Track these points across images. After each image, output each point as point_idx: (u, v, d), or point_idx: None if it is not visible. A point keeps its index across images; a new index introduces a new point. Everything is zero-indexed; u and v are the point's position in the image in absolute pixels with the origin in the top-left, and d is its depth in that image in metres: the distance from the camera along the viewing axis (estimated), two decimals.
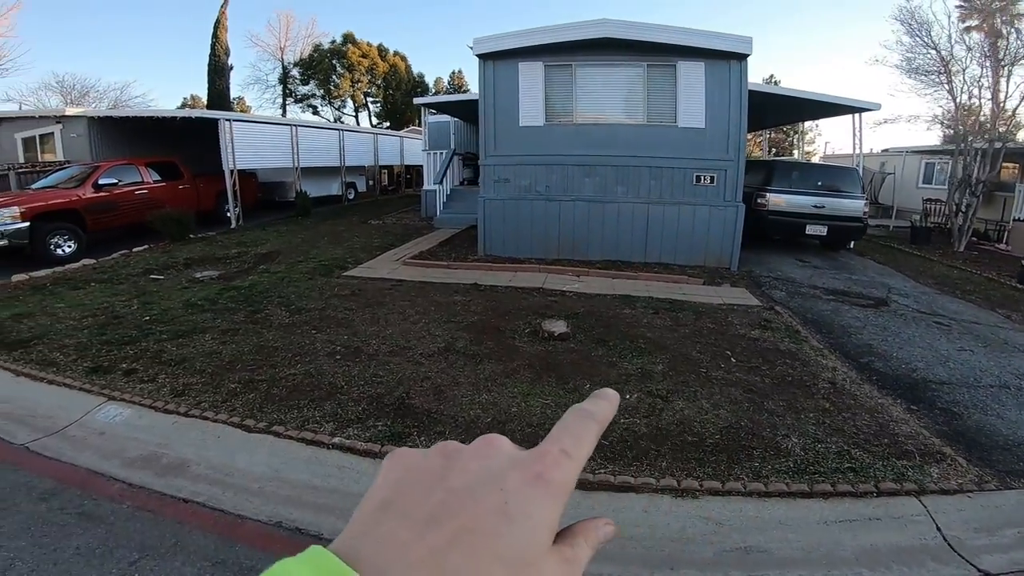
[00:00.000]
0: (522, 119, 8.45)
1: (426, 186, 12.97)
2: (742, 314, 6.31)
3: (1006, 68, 11.15)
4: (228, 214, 12.71)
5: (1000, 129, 11.43)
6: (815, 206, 10.48)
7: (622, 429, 3.56)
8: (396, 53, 34.94)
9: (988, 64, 11.69)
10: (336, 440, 3.49)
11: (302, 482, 3.20)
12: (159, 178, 10.84)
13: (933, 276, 9.20)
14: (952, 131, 12.87)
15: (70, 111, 12.06)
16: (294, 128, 13.70)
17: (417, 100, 13.13)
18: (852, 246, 11.45)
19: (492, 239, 8.77)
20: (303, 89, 33.59)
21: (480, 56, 8.33)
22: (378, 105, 34.64)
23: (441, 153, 12.92)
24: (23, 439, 3.41)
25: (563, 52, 8.22)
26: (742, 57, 8.08)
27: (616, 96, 8.46)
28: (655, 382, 4.28)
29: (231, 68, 31.47)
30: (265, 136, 12.72)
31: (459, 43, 61.89)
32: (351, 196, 17.51)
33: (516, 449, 0.31)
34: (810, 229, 10.45)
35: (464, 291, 6.65)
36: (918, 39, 12.29)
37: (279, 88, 32.33)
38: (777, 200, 10.33)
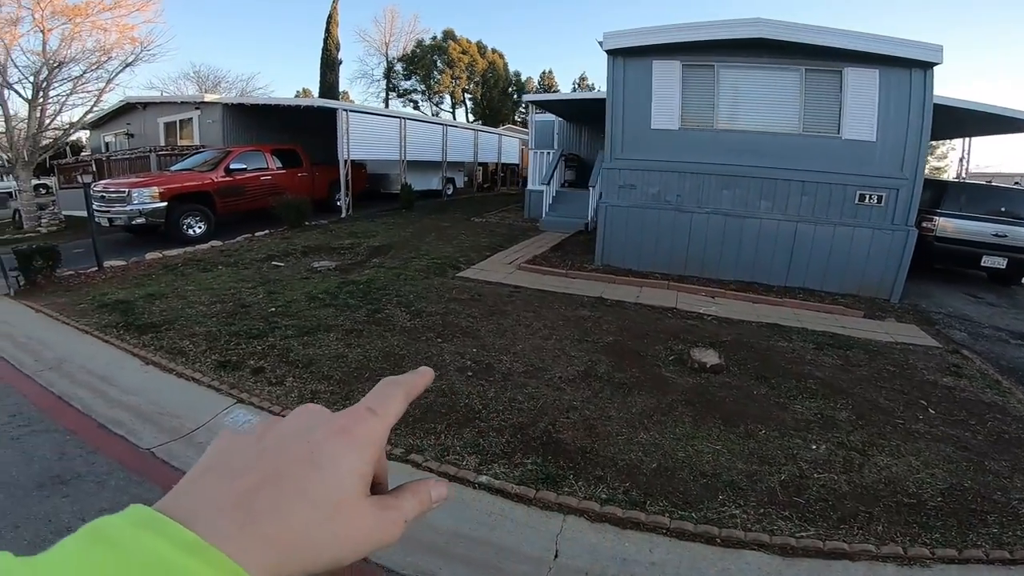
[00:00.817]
0: (654, 121, 7.69)
1: (530, 186, 12.51)
2: (923, 356, 5.27)
3: None
4: (338, 203, 13.01)
5: None
6: (995, 235, 8.80)
7: (819, 486, 2.97)
8: (494, 51, 35.06)
9: None
10: (483, 479, 3.01)
11: (447, 528, 2.72)
12: (280, 165, 11.18)
13: None
14: None
15: (208, 98, 12.84)
16: (402, 121, 13.76)
17: (527, 97, 12.73)
18: None
19: (611, 248, 8.08)
20: (405, 84, 34.54)
21: (609, 52, 7.67)
22: (474, 102, 34.88)
23: (548, 153, 12.39)
24: (149, 441, 3.21)
25: (704, 51, 7.35)
26: (927, 66, 6.84)
27: (766, 102, 7.45)
28: (843, 432, 3.60)
29: (340, 62, 32.91)
30: (377, 128, 12.84)
31: (550, 43, 61.51)
32: (449, 192, 17.48)
33: (329, 412, 0.33)
34: (987, 261, 8.80)
35: (590, 305, 6.04)
36: None
37: (383, 83, 33.45)
38: (947, 225, 8.80)
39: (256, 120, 13.30)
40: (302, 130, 13.79)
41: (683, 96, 7.55)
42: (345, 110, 11.60)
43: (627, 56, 7.65)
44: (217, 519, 0.26)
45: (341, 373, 4.03)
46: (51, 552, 0.22)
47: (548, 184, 11.61)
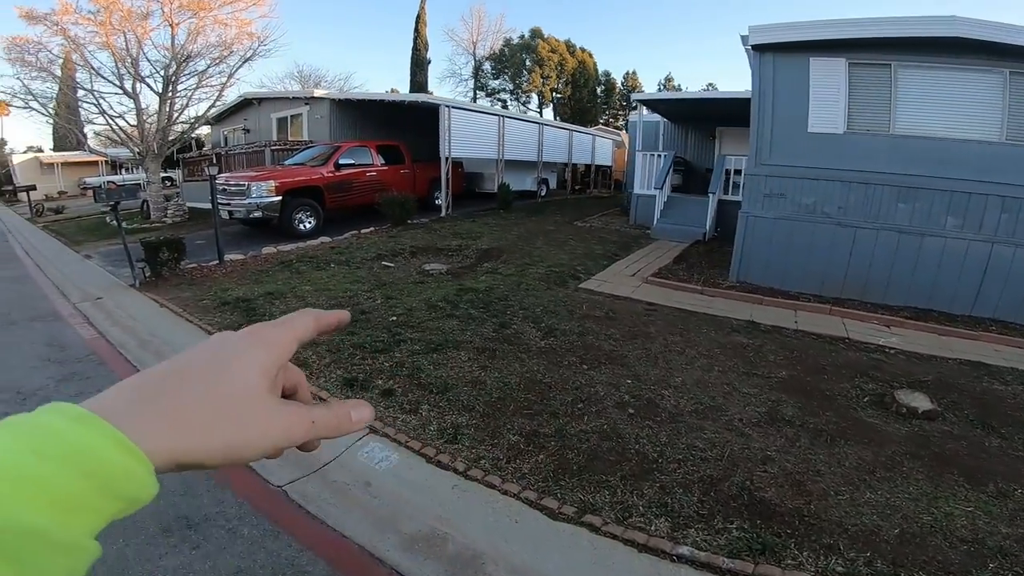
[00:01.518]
0: (812, 124, 6.60)
1: (636, 190, 11.60)
2: None
3: None
4: (437, 202, 12.78)
5: None
6: None
7: None
8: (583, 49, 34.03)
9: None
10: (684, 551, 2.34)
11: None
12: (384, 162, 11.06)
13: None
14: None
15: (317, 92, 13.06)
16: (501, 119, 13.32)
17: (636, 95, 11.81)
18: None
19: (750, 263, 7.07)
20: (493, 83, 34.39)
21: (755, 48, 6.69)
22: (561, 102, 34.06)
23: (658, 155, 11.42)
24: (279, 478, 2.78)
25: (877, 49, 6.20)
26: None
27: (957, 106, 6.15)
28: None
29: (429, 62, 33.40)
30: (476, 126, 12.46)
31: (632, 45, 59.25)
32: (542, 193, 16.89)
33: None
34: None
35: (743, 330, 5.15)
36: None
37: (471, 82, 33.53)
38: None
39: (360, 116, 13.38)
40: (403, 127, 13.75)
41: (850, 97, 6.43)
42: (448, 106, 11.29)
43: (777, 52, 6.68)
44: (116, 401, 0.27)
45: (483, 404, 3.47)
46: None
47: (660, 189, 10.66)
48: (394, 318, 4.77)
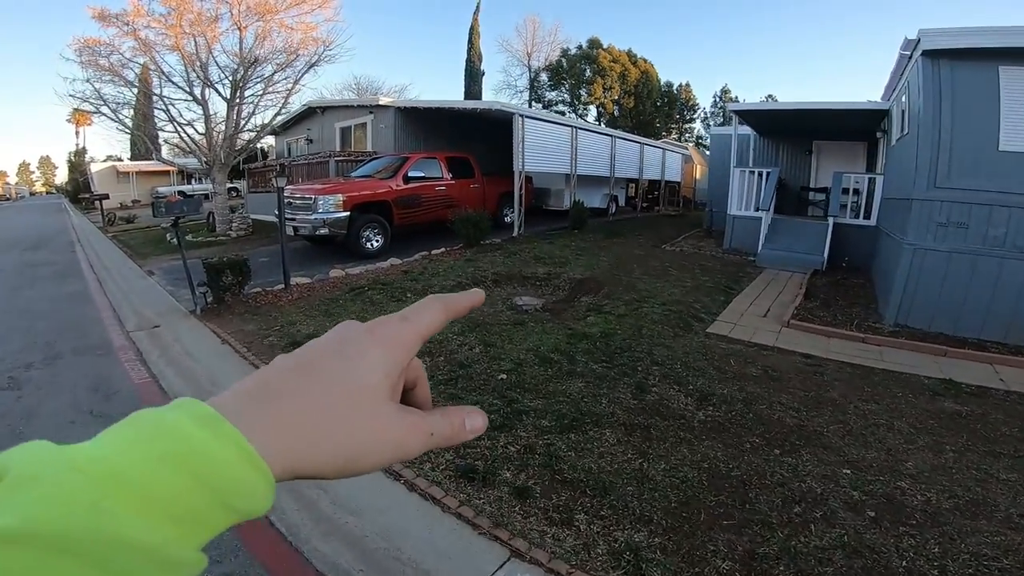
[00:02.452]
0: (1004, 142, 5.29)
1: (734, 211, 10.31)
2: None
3: None
4: (507, 219, 11.90)
5: None
6: None
7: None
8: (645, 60, 32.78)
9: None
10: None
11: None
12: (454, 175, 10.26)
13: None
14: None
15: (382, 100, 12.48)
16: (574, 131, 12.32)
17: (731, 106, 10.54)
18: None
19: (916, 304, 5.75)
20: (550, 95, 33.52)
21: (927, 54, 5.49)
22: (623, 114, 32.79)
23: (760, 172, 10.10)
24: None
25: None
26: None
27: None
28: None
29: (483, 73, 32.88)
30: (550, 137, 11.51)
31: (686, 58, 57.33)
32: (612, 211, 15.76)
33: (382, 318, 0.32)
34: None
35: (946, 393, 3.96)
36: None
37: (526, 94, 32.80)
38: None
39: (425, 126, 12.72)
40: (470, 138, 13.01)
41: None
42: (522, 115, 10.39)
43: (955, 59, 5.45)
44: (238, 400, 0.25)
45: (662, 511, 2.44)
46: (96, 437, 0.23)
47: (767, 211, 9.36)
48: (503, 376, 3.78)
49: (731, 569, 2.11)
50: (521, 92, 34.10)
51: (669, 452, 2.93)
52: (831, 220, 8.78)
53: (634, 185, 18.83)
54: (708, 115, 39.94)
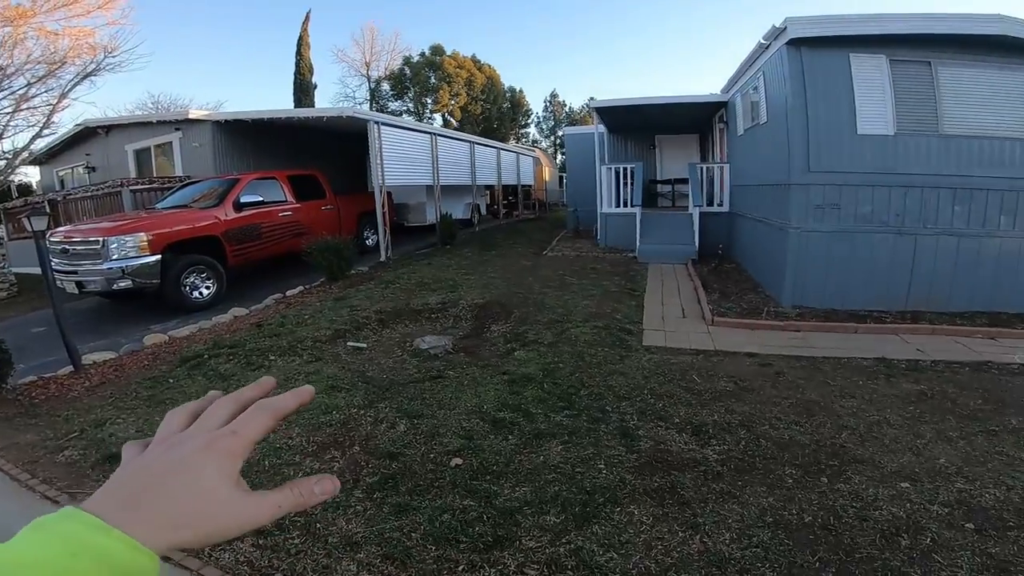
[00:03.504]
0: (861, 126, 5.73)
1: (605, 209, 10.31)
2: None
3: None
4: (369, 242, 10.47)
5: None
6: None
7: None
8: (489, 65, 32.96)
9: None
10: None
11: None
12: (299, 197, 8.61)
13: None
14: None
15: (194, 114, 10.03)
16: (433, 137, 11.38)
17: (595, 102, 10.56)
18: None
19: (805, 284, 5.96)
20: (394, 105, 31.91)
21: (791, 43, 5.76)
22: (471, 120, 32.47)
23: (625, 169, 10.22)
24: None
25: (915, 46, 5.63)
26: None
27: (1003, 104, 5.68)
28: None
29: (315, 86, 30.38)
30: (410, 145, 10.43)
31: (517, 62, 60.48)
32: (475, 220, 15.13)
33: (194, 433, 0.37)
34: None
35: (893, 372, 3.96)
36: None
37: (367, 105, 30.84)
38: None
39: (254, 143, 10.65)
40: (312, 154, 11.28)
41: (895, 96, 5.67)
42: (379, 123, 9.16)
43: (813, 47, 5.79)
44: (115, 510, 0.32)
45: None
46: (10, 541, 0.29)
47: (639, 206, 9.45)
48: (457, 461, 2.70)
49: None
50: (361, 104, 31.97)
51: (720, 514, 2.24)
52: (697, 210, 9.14)
53: (489, 192, 18.52)
54: (540, 119, 42.01)
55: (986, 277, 5.80)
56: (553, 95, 42.30)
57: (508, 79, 38.48)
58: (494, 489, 2.45)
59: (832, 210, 5.82)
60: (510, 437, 2.93)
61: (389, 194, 10.23)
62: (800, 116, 5.81)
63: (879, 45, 5.67)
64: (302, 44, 29.62)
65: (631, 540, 2.09)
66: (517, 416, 3.16)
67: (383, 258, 9.30)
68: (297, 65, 29.48)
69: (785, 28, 5.69)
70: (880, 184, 5.72)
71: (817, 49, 5.76)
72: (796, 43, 5.75)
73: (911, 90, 5.71)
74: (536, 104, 45.32)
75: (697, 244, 9.01)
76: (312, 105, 29.65)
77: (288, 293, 6.91)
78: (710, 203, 9.71)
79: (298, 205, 8.52)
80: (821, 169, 5.79)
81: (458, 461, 2.69)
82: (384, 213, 9.45)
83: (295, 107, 28.96)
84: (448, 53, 30.24)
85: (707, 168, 10.15)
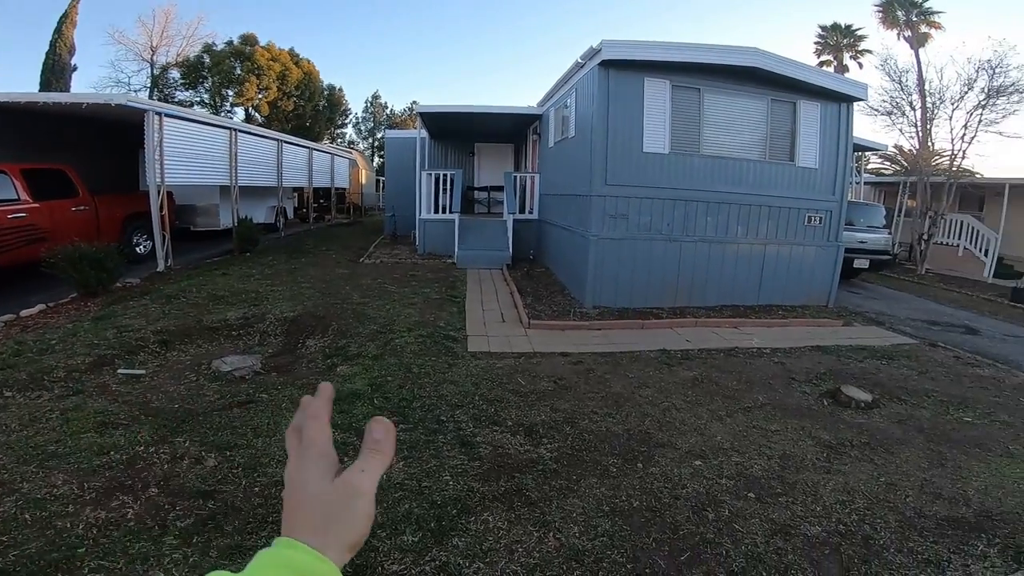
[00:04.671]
0: (647, 144, 6.72)
1: (424, 215, 10.30)
2: (947, 356, 5.54)
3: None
4: (140, 250, 8.75)
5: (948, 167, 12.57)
6: (860, 241, 10.36)
7: None
8: (308, 60, 30.12)
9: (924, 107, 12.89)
10: None
11: None
12: (39, 195, 6.78)
13: (949, 300, 9.58)
14: (908, 166, 13.91)
15: None
16: (233, 133, 10.03)
17: (420, 107, 10.39)
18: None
19: (603, 287, 6.78)
20: (183, 95, 27.03)
21: (603, 64, 6.44)
22: (281, 116, 29.16)
23: (444, 175, 10.33)
24: None
25: (690, 73, 6.74)
26: (852, 100, 7.62)
27: (740, 129, 7.21)
28: None
29: (74, 68, 24.65)
30: (202, 141, 9.03)
31: (339, 63, 57.32)
32: (281, 225, 13.77)
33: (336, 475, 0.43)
34: (857, 263, 10.26)
35: (672, 362, 4.80)
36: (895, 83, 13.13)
37: (145, 93, 25.61)
38: None
39: None
40: (67, 146, 8.93)
41: (672, 119, 6.78)
42: (160, 113, 7.69)
43: (620, 70, 6.55)
44: (312, 538, 0.38)
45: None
46: (244, 571, 0.36)
47: (458, 213, 9.67)
48: (262, 507, 2.39)
49: None
50: (137, 91, 26.33)
51: (564, 509, 2.44)
52: (511, 217, 9.73)
53: (298, 195, 17.05)
54: (360, 120, 40.15)
55: (728, 276, 7.31)
56: (375, 96, 40.88)
57: (329, 77, 36.04)
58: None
59: (621, 220, 6.74)
60: (345, 459, 2.69)
61: (170, 194, 8.68)
62: (602, 132, 6.50)
63: (665, 71, 6.56)
64: (66, 21, 23.88)
65: (492, 547, 2.13)
66: (349, 436, 2.96)
67: (162, 267, 7.85)
68: (53, 44, 23.58)
69: (600, 49, 6.27)
70: (656, 197, 6.80)
71: (622, 71, 6.46)
72: (606, 64, 6.38)
73: (684, 113, 6.77)
74: (357, 104, 43.31)
75: (511, 250, 9.59)
76: (68, 88, 23.98)
77: (24, 314, 5.37)
78: (522, 210, 10.42)
79: (36, 205, 6.71)
80: (616, 182, 6.64)
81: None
82: (162, 216, 7.99)
83: (41, 90, 22.97)
84: (263, 44, 27.01)
85: (520, 177, 10.88)
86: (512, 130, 12.37)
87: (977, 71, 11.56)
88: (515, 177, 10.54)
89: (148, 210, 7.88)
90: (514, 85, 64.86)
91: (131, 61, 26.60)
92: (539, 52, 64.45)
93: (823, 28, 24.24)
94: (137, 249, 8.72)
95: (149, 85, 26.45)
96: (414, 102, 37.09)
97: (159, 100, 23.56)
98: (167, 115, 7.90)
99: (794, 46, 58.91)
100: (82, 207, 7.49)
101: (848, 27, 23.70)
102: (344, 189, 19.40)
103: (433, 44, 61.58)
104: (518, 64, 65.69)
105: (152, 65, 26.31)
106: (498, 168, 13.73)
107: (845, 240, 9.61)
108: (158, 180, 7.75)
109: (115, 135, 9.70)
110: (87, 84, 28.68)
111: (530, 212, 10.37)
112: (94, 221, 7.70)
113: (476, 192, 13.61)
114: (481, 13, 60.27)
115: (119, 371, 3.98)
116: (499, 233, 9.95)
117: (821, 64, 23.32)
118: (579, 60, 7.01)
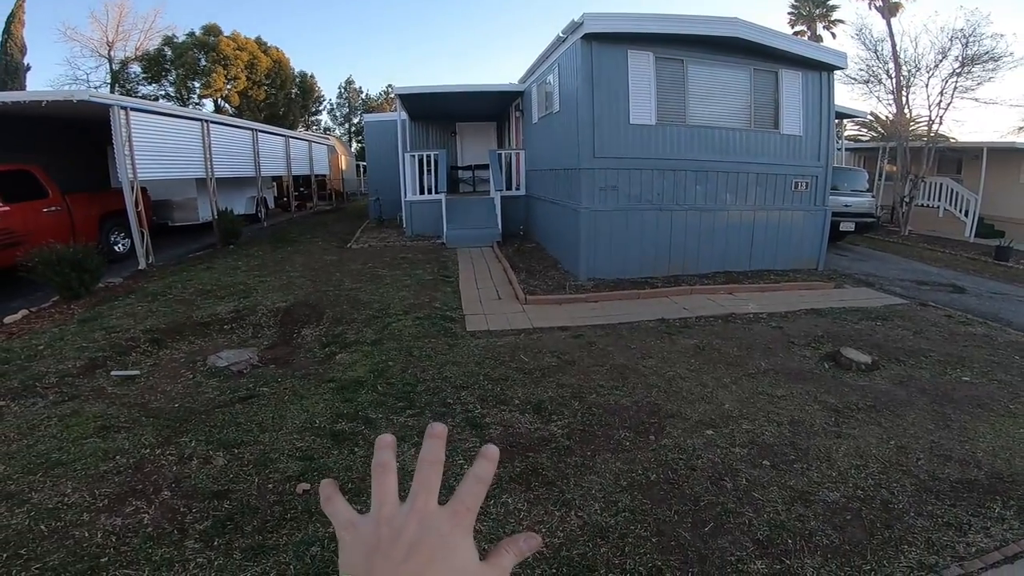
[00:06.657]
0: (633, 116, 6.64)
1: (410, 196, 10.13)
2: (938, 315, 5.64)
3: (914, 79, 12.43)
4: (118, 248, 8.51)
5: (923, 131, 12.71)
6: (845, 205, 10.45)
7: None
8: (277, 48, 29.06)
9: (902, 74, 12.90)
10: None
11: None
12: (7, 198, 6.51)
13: (934, 260, 9.72)
14: (886, 132, 14.06)
15: None
16: (205, 124, 9.69)
17: (398, 89, 10.10)
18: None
19: (596, 259, 6.77)
20: (146, 89, 25.99)
21: (585, 37, 6.30)
22: (251, 106, 28.23)
23: (427, 156, 10.15)
24: None
25: (673, 45, 6.65)
26: (832, 69, 7.63)
27: (725, 98, 7.17)
28: None
29: (28, 68, 23.70)
30: (173, 134, 8.72)
31: (310, 48, 55.61)
32: (263, 215, 13.47)
33: (437, 507, 0.40)
34: (843, 226, 10.35)
35: (673, 331, 4.79)
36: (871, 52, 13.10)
37: (105, 89, 24.62)
38: None
39: None
40: (30, 147, 8.50)
41: (657, 90, 6.71)
42: (126, 108, 7.37)
43: (602, 43, 6.43)
44: None
45: (655, 552, 1.90)
46: None
47: (445, 193, 9.52)
48: (305, 486, 2.36)
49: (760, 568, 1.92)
50: (97, 87, 25.26)
51: (582, 486, 2.46)
52: (498, 194, 9.61)
53: (276, 184, 16.65)
54: (334, 106, 39.15)
55: (720, 244, 7.34)
56: (349, 81, 39.84)
57: (299, 64, 34.94)
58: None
59: (612, 191, 6.69)
60: (356, 449, 2.69)
61: (144, 190, 8.39)
62: (588, 106, 6.42)
63: (648, 43, 6.48)
64: (13, 20, 22.87)
65: (516, 529, 2.13)
66: (357, 425, 2.92)
67: (143, 265, 7.64)
68: (4, 44, 22.58)
69: (583, 23, 6.15)
70: (646, 168, 6.76)
71: (605, 45, 6.35)
72: (589, 38, 6.26)
73: (669, 85, 6.70)
74: (330, 90, 42.21)
75: (500, 227, 9.50)
76: (23, 88, 23.08)
77: (8, 320, 5.20)
78: (509, 187, 10.29)
79: (7, 208, 6.45)
80: (604, 155, 6.57)
81: (305, 486, 2.37)
82: (139, 212, 7.73)
83: None
84: (227, 34, 26.01)
85: (505, 154, 10.71)
86: (494, 108, 12.15)
87: (951, 40, 11.59)
88: (500, 154, 10.37)
89: (124, 208, 7.62)
90: (493, 61, 63.62)
91: (87, 57, 25.61)
92: (517, 27, 63.17)
93: None
94: (115, 248, 8.47)
95: (109, 81, 25.54)
96: (390, 85, 36.25)
97: (121, 95, 22.76)
98: (133, 109, 7.59)
99: (768, 17, 58.45)
100: (53, 208, 7.21)
101: None
102: (324, 176, 19.00)
103: (405, 25, 60.08)
104: (496, 40, 64.40)
105: (111, 60, 25.34)
106: (481, 147, 13.51)
107: (831, 205, 9.71)
108: (130, 176, 7.48)
109: (82, 133, 9.35)
110: (44, 83, 27.59)
111: (517, 188, 10.26)
112: (68, 222, 7.43)
113: (460, 171, 13.42)
114: None
115: (112, 373, 3.88)
116: (487, 211, 9.84)
117: (795, 34, 23.15)
118: (560, 34, 6.88)
